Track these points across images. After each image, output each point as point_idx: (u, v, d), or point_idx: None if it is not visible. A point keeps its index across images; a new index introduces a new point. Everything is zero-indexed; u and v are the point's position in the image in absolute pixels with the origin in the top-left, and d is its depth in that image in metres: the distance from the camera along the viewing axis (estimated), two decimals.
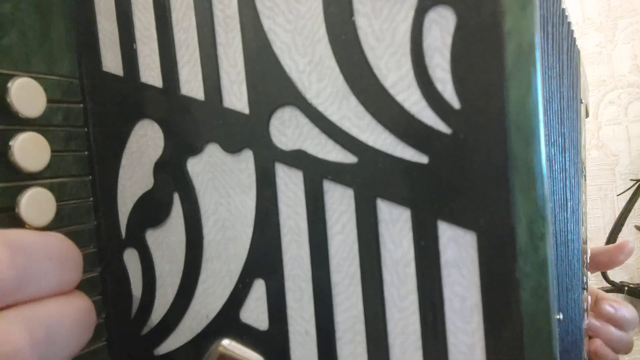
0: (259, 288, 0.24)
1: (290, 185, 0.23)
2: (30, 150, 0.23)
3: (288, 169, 0.22)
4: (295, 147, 0.22)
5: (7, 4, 0.24)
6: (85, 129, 0.27)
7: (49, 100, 0.25)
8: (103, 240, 0.27)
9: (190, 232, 0.25)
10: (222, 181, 0.24)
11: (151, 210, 0.26)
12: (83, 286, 0.27)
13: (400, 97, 0.20)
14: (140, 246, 0.26)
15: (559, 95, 0.35)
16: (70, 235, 0.26)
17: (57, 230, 0.25)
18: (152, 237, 0.26)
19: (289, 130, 0.22)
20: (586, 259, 0.45)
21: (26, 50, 0.24)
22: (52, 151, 0.25)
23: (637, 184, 1.11)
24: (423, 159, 0.20)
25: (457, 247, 0.20)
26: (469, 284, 0.20)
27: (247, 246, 0.24)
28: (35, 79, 0.24)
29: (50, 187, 0.25)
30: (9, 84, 0.23)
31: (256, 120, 0.23)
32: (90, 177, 0.27)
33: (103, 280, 0.27)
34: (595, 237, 1.19)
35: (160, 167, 0.25)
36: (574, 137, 0.41)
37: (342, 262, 0.22)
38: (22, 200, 0.23)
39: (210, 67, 0.24)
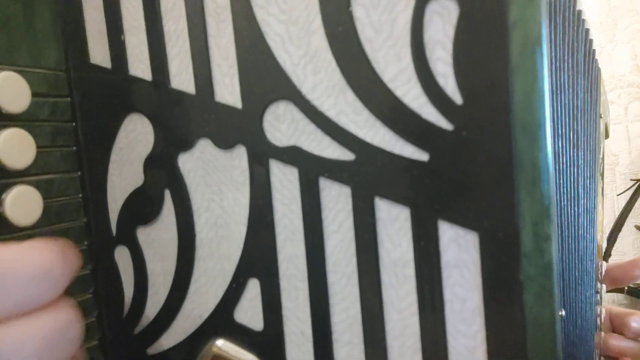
0: (253, 288, 0.23)
1: (285, 182, 0.22)
2: (14, 147, 0.22)
3: (283, 166, 0.22)
4: (290, 143, 0.21)
5: None
6: (73, 124, 0.26)
7: (35, 94, 0.24)
8: (93, 237, 0.26)
9: (182, 230, 0.24)
10: (215, 178, 0.23)
11: (142, 207, 0.25)
12: (74, 284, 0.26)
13: (399, 92, 0.19)
14: (131, 244, 0.26)
15: (571, 91, 0.34)
16: (60, 233, 0.26)
17: (46, 229, 0.24)
18: (143, 234, 0.25)
19: (283, 125, 0.21)
20: (601, 271, 0.45)
21: (9, 41, 0.23)
22: (39, 147, 0.24)
23: (637, 183, 1.11)
24: (423, 156, 0.19)
25: (459, 247, 0.19)
26: (471, 286, 0.19)
27: (241, 245, 0.23)
28: (19, 72, 0.23)
29: (37, 185, 0.24)
30: None
31: (249, 115, 0.22)
32: (79, 173, 0.26)
33: (94, 279, 0.27)
34: None
35: (150, 163, 0.25)
36: (590, 139, 0.41)
37: (339, 262, 0.21)
38: (6, 199, 0.22)
39: (201, 60, 0.23)
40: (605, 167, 1.22)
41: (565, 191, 0.34)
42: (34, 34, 0.25)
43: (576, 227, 0.36)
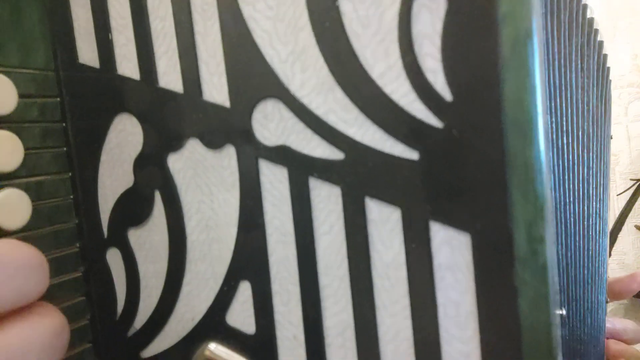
0: (244, 290, 0.23)
1: (275, 183, 0.21)
2: (1, 150, 0.22)
3: (272, 166, 0.21)
4: (279, 142, 0.21)
5: None
6: (63, 124, 0.26)
7: (22, 95, 0.24)
8: (85, 239, 0.26)
9: (173, 231, 0.24)
10: (205, 178, 0.23)
11: (132, 209, 0.25)
12: (66, 286, 0.26)
13: (388, 89, 0.18)
14: (123, 246, 0.25)
15: (580, 90, 0.34)
16: (51, 234, 0.25)
17: (36, 232, 0.24)
18: (135, 236, 0.25)
19: (272, 124, 0.21)
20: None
21: None
22: (27, 149, 0.24)
23: (637, 183, 1.10)
24: (414, 155, 0.18)
25: (451, 249, 0.18)
26: (464, 289, 0.18)
27: (232, 247, 0.23)
28: (6, 73, 0.23)
29: (26, 187, 0.24)
30: None
31: (238, 114, 0.21)
32: (70, 174, 0.26)
33: (87, 281, 0.26)
34: None
35: (140, 164, 0.24)
36: (602, 144, 0.40)
37: (331, 264, 0.21)
38: None
39: (189, 58, 0.22)
40: None
41: (572, 188, 0.33)
42: (22, 34, 0.24)
43: (586, 227, 0.35)
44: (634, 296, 1.10)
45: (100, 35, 0.24)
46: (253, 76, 0.21)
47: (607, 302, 0.42)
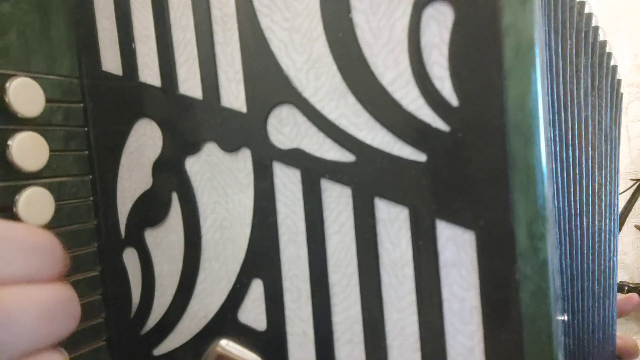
0: (256, 288, 0.24)
1: (288, 184, 0.22)
2: (28, 150, 0.23)
3: (286, 168, 0.22)
4: (293, 145, 0.22)
5: (7, 3, 0.24)
6: (85, 129, 0.27)
7: (49, 100, 0.25)
8: (103, 239, 0.27)
9: (189, 231, 0.25)
10: (221, 180, 0.24)
11: (150, 210, 0.26)
12: (83, 286, 0.27)
13: (397, 95, 0.19)
14: (140, 246, 0.26)
15: (590, 109, 0.35)
16: (71, 234, 0.26)
17: (56, 230, 0.25)
18: (151, 236, 0.26)
19: (286, 128, 0.22)
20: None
21: (25, 49, 0.24)
22: (52, 151, 0.25)
23: (637, 183, 1.10)
24: (421, 157, 0.19)
25: (456, 247, 0.19)
26: (468, 285, 0.19)
27: (245, 246, 0.24)
28: (35, 78, 0.24)
29: (50, 187, 0.25)
30: (7, 84, 0.23)
31: (254, 118, 0.23)
32: (90, 177, 0.27)
33: (103, 280, 0.27)
34: None
35: (158, 167, 0.25)
36: (612, 161, 0.41)
37: (340, 262, 0.22)
38: (19, 200, 0.23)
39: (208, 66, 0.23)
40: None
41: (578, 200, 0.34)
42: (49, 43, 0.26)
43: (597, 242, 0.36)
44: None
45: (124, 45, 0.25)
46: (269, 83, 0.22)
47: None
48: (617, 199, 0.44)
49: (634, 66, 1.19)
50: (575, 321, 0.36)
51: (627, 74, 1.20)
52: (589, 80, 0.36)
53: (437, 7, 0.18)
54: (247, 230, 0.24)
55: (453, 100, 0.18)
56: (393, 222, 0.20)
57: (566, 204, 0.34)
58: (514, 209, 0.18)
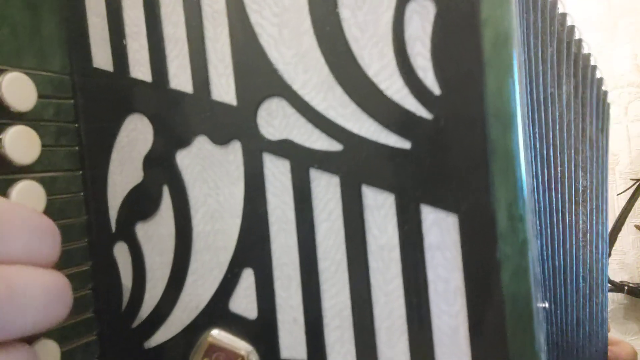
0: (247, 277, 0.24)
1: (277, 175, 0.23)
2: (20, 143, 0.24)
3: (275, 159, 0.23)
4: (282, 137, 0.23)
5: None
6: (76, 125, 0.27)
7: (40, 96, 0.25)
8: (94, 234, 0.27)
9: (180, 224, 0.25)
10: (211, 173, 0.25)
11: (141, 204, 0.26)
12: (73, 279, 0.27)
13: (383, 85, 0.20)
14: (130, 240, 0.27)
15: (567, 110, 0.36)
16: (61, 229, 0.26)
17: None
18: (142, 230, 0.27)
19: (276, 120, 0.23)
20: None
21: (17, 45, 0.25)
22: (43, 146, 0.25)
23: (637, 183, 1.11)
24: (406, 144, 0.20)
25: (440, 230, 0.20)
26: (452, 267, 0.20)
27: (236, 237, 0.24)
28: (26, 74, 0.25)
29: (41, 181, 0.25)
30: (0, 79, 0.23)
31: (244, 111, 0.23)
32: (81, 172, 0.27)
33: (94, 274, 0.28)
34: None
35: (149, 161, 0.26)
36: (601, 169, 0.43)
37: (329, 250, 0.22)
38: (12, 193, 0.23)
39: (199, 61, 0.24)
40: None
41: (560, 198, 0.36)
42: (40, 40, 0.26)
43: (582, 241, 0.38)
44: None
45: (115, 41, 0.26)
46: (259, 77, 0.23)
47: None
48: (606, 204, 0.45)
49: (634, 66, 1.20)
50: (558, 311, 0.37)
51: (627, 74, 1.20)
52: (572, 87, 0.38)
53: (419, 2, 0.19)
54: (238, 221, 0.24)
55: (435, 89, 0.19)
56: (380, 208, 0.21)
57: (547, 198, 0.35)
58: (494, 192, 0.19)
